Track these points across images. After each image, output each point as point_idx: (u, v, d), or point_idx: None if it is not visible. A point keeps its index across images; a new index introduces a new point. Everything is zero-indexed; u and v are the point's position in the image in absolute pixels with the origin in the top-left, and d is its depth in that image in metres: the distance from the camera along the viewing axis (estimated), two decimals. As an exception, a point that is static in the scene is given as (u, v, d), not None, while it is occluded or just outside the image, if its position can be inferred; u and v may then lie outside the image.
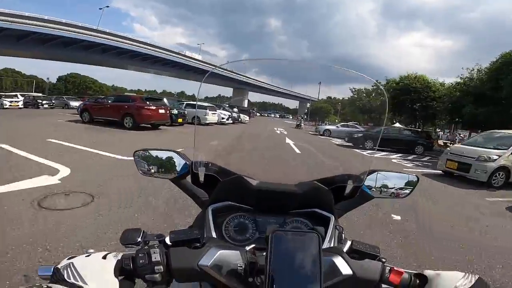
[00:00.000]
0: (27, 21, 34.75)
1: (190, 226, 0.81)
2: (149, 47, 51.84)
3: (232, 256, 0.55)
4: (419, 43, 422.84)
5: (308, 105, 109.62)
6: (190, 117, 15.74)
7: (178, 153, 0.89)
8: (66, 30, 38.62)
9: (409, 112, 23.65)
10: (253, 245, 0.62)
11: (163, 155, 0.90)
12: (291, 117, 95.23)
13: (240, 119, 21.74)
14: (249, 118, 29.73)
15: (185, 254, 0.55)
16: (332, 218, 0.79)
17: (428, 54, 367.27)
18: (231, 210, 0.83)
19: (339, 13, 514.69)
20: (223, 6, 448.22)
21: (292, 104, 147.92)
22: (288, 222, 0.83)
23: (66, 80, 61.97)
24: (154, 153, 0.90)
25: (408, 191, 0.90)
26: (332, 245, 0.74)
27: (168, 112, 13.73)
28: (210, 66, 65.36)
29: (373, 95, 26.35)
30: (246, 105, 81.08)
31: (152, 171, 0.89)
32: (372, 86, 25.39)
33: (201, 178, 0.86)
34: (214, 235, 0.74)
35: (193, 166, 0.86)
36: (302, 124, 27.11)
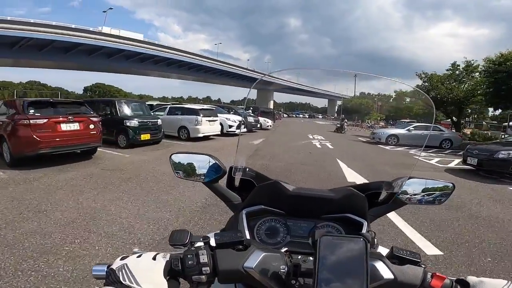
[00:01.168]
0: (47, 29, 33.21)
1: (222, 229, 0.83)
2: (173, 51, 49.18)
3: (274, 259, 0.56)
4: (451, 33, 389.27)
5: (339, 102, 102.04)
6: (175, 128, 10.67)
7: (212, 156, 0.88)
8: (88, 37, 36.81)
9: None
10: (285, 248, 0.61)
11: (198, 158, 0.89)
12: (320, 117, 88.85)
13: (259, 125, 16.69)
14: (273, 122, 25.00)
15: (230, 256, 0.55)
16: (365, 223, 0.78)
17: (462, 44, 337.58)
18: (263, 214, 0.82)
19: (359, 7, 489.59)
20: (240, 9, 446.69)
21: (320, 103, 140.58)
22: (319, 227, 0.81)
23: (92, 90, 60.95)
24: (189, 156, 0.91)
25: (443, 199, 0.87)
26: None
27: (97, 127, 6.59)
28: (237, 68, 62.75)
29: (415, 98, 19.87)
30: (271, 106, 76.28)
31: (188, 173, 0.89)
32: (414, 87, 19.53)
33: (237, 183, 0.89)
34: (248, 238, 0.73)
35: (233, 170, 0.87)
36: (346, 126, 21.61)
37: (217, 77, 63.18)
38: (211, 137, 11.39)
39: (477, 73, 17.78)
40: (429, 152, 12.25)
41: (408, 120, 23.94)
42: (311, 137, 14.49)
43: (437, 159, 10.04)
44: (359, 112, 44.05)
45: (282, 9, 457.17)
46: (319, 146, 9.48)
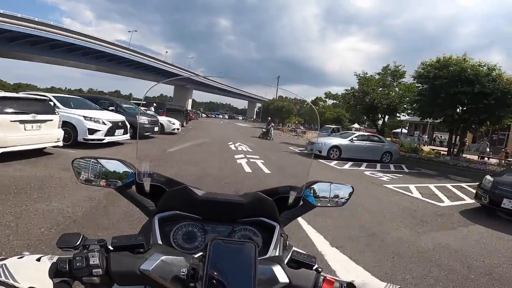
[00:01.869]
0: None
1: (139, 233, 0.75)
2: (76, 36, 39.23)
3: (176, 262, 0.55)
4: (353, 47, 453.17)
5: (259, 105, 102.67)
6: None
7: (122, 161, 0.84)
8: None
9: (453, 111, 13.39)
10: (201, 253, 0.58)
11: (106, 163, 0.84)
12: (240, 118, 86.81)
13: (160, 128, 11.32)
14: (186, 123, 19.77)
15: (126, 259, 0.54)
16: (277, 226, 0.80)
17: (360, 57, 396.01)
18: (179, 219, 0.80)
19: (287, 15, 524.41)
20: (171, 4, 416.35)
21: (241, 104, 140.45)
22: (237, 230, 0.81)
23: None
24: (97, 161, 0.84)
25: (344, 200, 0.94)
26: (277, 252, 0.73)
27: None
28: (156, 62, 53.80)
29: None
30: (189, 105, 69.36)
31: (94, 180, 0.84)
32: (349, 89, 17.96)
33: (147, 188, 0.84)
34: (160, 243, 0.71)
35: (137, 176, 0.83)
36: (272, 131, 18.15)
37: (131, 69, 53.51)
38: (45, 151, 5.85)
39: (403, 79, 16.86)
40: (375, 170, 9.56)
41: (334, 126, 22.58)
42: (233, 147, 9.97)
43: (401, 184, 7.09)
44: (280, 115, 42.60)
45: (215, 9, 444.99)
46: (248, 169, 6.83)
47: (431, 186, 7.41)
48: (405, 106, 16.36)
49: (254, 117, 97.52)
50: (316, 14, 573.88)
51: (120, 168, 0.84)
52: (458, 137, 15.51)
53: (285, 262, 0.60)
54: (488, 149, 17.71)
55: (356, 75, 17.20)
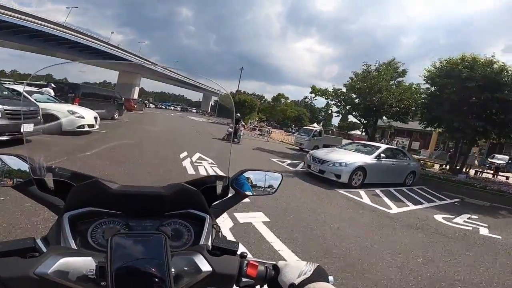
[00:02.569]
0: None
1: (43, 237, 0.68)
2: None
3: (82, 263, 0.51)
4: (310, 48, 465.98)
5: (215, 98, 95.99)
6: None
7: (19, 156, 0.72)
8: None
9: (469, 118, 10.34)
10: None
11: (1, 159, 0.72)
12: (194, 111, 79.59)
13: (40, 125, 5.87)
14: (118, 116, 14.04)
15: (15, 264, 0.49)
16: (207, 217, 0.76)
17: (315, 59, 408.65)
18: (96, 217, 0.72)
19: (251, 11, 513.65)
20: None
21: (195, 96, 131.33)
22: (165, 224, 0.76)
23: None
24: None
25: (274, 189, 0.93)
26: (209, 243, 0.68)
27: None
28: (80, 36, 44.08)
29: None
30: (136, 94, 60.59)
31: None
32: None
33: (50, 184, 0.74)
34: (72, 244, 0.64)
35: (32, 171, 0.71)
36: (242, 132, 13.60)
37: (70, 51, 42.83)
38: None
39: (402, 78, 13.62)
40: (427, 205, 5.92)
41: (316, 127, 18.90)
42: (190, 166, 5.66)
43: None
44: (241, 111, 37.96)
45: None
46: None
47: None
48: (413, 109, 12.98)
49: (209, 111, 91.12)
50: (279, 13, 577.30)
51: (17, 164, 0.72)
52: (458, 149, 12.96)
53: (209, 250, 0.58)
54: (476, 162, 15.85)
55: (364, 64, 13.27)
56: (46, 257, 0.50)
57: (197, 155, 6.86)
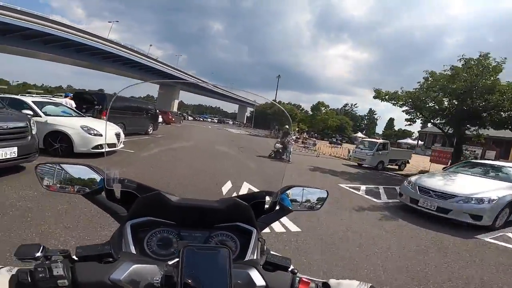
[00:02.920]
0: None
1: (107, 242, 0.69)
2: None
3: (149, 270, 0.53)
4: (343, 54, 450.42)
5: (250, 109, 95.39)
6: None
7: (91, 166, 0.80)
8: None
9: None
10: (176, 259, 0.56)
11: (74, 169, 0.79)
12: (231, 122, 79.42)
13: (34, 147, 4.25)
14: (152, 130, 12.66)
15: (94, 269, 0.52)
16: (254, 231, 0.78)
17: (349, 65, 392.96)
18: (154, 225, 0.77)
19: (280, 22, 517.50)
20: (165, 4, 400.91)
21: (230, 108, 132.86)
22: (214, 236, 0.79)
23: None
24: (63, 167, 0.79)
25: (320, 205, 0.93)
26: (255, 256, 0.72)
27: None
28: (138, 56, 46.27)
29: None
30: (175, 107, 61.33)
31: (60, 186, 0.78)
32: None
33: (117, 194, 0.79)
34: (133, 250, 0.68)
35: (106, 182, 0.77)
36: (291, 146, 11.25)
37: (115, 65, 46.14)
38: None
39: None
40: None
41: (381, 141, 15.85)
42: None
43: None
44: (280, 122, 35.75)
45: (209, 11, 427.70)
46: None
47: None
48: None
49: (245, 122, 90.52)
50: (308, 21, 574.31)
51: (88, 173, 0.79)
52: None
53: (261, 265, 0.59)
54: None
55: (460, 59, 10.12)
56: (120, 264, 0.52)
57: (245, 185, 4.80)
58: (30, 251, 0.51)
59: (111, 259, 0.54)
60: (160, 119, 23.01)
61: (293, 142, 10.91)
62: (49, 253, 0.52)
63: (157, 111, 13.47)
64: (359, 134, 50.14)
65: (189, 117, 54.46)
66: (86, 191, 0.77)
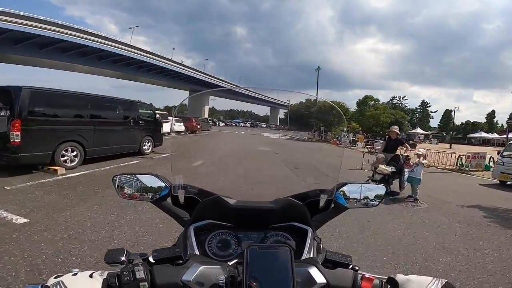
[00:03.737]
0: None
1: (173, 245, 0.79)
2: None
3: (214, 271, 0.55)
4: (373, 48, 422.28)
5: (283, 111, 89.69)
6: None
7: (157, 176, 0.86)
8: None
9: None
10: (235, 260, 0.60)
11: (143, 178, 0.86)
12: (264, 126, 74.10)
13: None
14: (149, 149, 7.66)
15: (168, 271, 0.55)
16: (310, 230, 0.79)
17: (381, 59, 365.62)
18: (213, 228, 0.81)
19: (301, 20, 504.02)
20: (187, 14, 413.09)
21: (262, 111, 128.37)
22: (269, 236, 0.81)
23: None
24: (133, 177, 0.87)
25: (378, 202, 0.89)
26: (311, 255, 0.72)
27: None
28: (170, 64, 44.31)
29: None
30: (206, 113, 57.91)
31: (133, 194, 0.86)
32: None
33: (181, 200, 0.86)
34: (197, 252, 0.72)
35: (172, 189, 0.85)
36: (407, 172, 5.55)
37: (149, 75, 44.92)
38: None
39: None
40: None
41: None
42: None
43: None
44: (326, 122, 29.60)
45: (230, 17, 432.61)
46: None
47: None
48: None
49: (278, 124, 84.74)
50: (331, 17, 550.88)
51: (155, 182, 0.85)
52: None
53: (320, 263, 0.59)
54: None
55: None
56: (190, 265, 0.55)
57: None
58: (116, 255, 0.56)
59: (181, 261, 0.57)
60: (182, 127, 18.98)
61: (423, 161, 5.25)
62: (131, 257, 0.56)
63: (157, 115, 8.40)
64: (419, 130, 41.82)
65: (221, 122, 50.63)
66: (154, 198, 0.84)
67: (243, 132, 24.51)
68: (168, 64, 42.96)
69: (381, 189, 0.88)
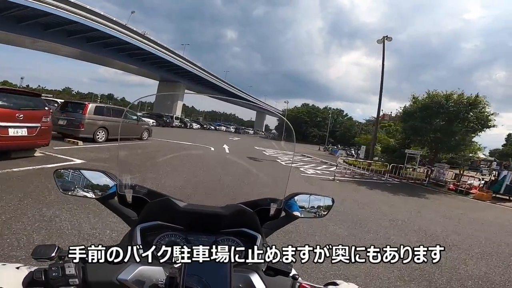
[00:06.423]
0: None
1: (117, 244, 0.73)
2: None
3: (154, 272, 0.54)
4: (357, 62, 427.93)
5: (269, 117, 78.27)
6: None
7: (105, 173, 0.81)
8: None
9: None
10: (181, 262, 0.60)
11: (88, 174, 0.81)
12: (251, 132, 62.34)
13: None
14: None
15: (103, 269, 0.53)
16: (259, 237, 0.78)
17: (364, 72, 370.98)
18: (162, 229, 0.77)
19: (292, 29, 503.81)
20: (181, 12, 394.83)
21: (246, 115, 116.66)
22: (219, 241, 0.79)
23: None
24: (78, 172, 0.81)
25: (325, 212, 0.91)
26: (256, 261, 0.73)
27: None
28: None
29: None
30: (179, 110, 44.23)
31: (76, 190, 0.80)
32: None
33: (129, 199, 0.80)
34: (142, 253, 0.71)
35: (118, 188, 0.79)
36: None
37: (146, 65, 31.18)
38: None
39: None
40: None
41: None
42: None
43: None
44: (345, 135, 18.34)
45: (222, 20, 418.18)
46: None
47: None
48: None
49: (263, 130, 73.63)
50: (321, 28, 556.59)
51: (102, 179, 0.80)
52: None
53: (263, 270, 0.59)
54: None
55: None
56: (127, 265, 0.54)
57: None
58: (45, 251, 0.53)
59: (119, 260, 0.55)
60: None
61: None
62: (63, 253, 0.53)
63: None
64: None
65: (195, 124, 37.49)
66: (99, 196, 0.79)
67: (225, 147, 11.89)
68: (123, 34, 29.38)
69: (328, 200, 0.91)
